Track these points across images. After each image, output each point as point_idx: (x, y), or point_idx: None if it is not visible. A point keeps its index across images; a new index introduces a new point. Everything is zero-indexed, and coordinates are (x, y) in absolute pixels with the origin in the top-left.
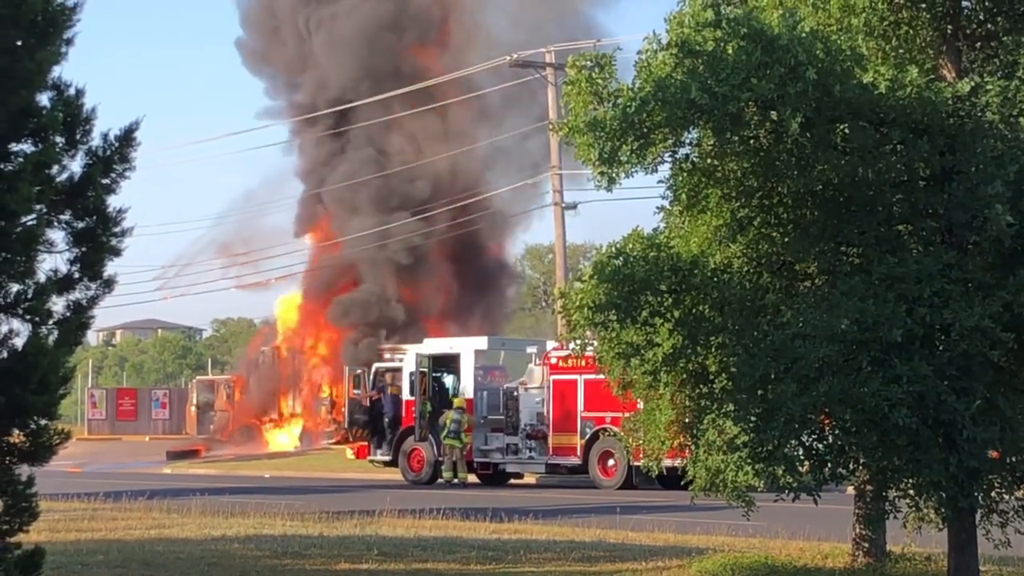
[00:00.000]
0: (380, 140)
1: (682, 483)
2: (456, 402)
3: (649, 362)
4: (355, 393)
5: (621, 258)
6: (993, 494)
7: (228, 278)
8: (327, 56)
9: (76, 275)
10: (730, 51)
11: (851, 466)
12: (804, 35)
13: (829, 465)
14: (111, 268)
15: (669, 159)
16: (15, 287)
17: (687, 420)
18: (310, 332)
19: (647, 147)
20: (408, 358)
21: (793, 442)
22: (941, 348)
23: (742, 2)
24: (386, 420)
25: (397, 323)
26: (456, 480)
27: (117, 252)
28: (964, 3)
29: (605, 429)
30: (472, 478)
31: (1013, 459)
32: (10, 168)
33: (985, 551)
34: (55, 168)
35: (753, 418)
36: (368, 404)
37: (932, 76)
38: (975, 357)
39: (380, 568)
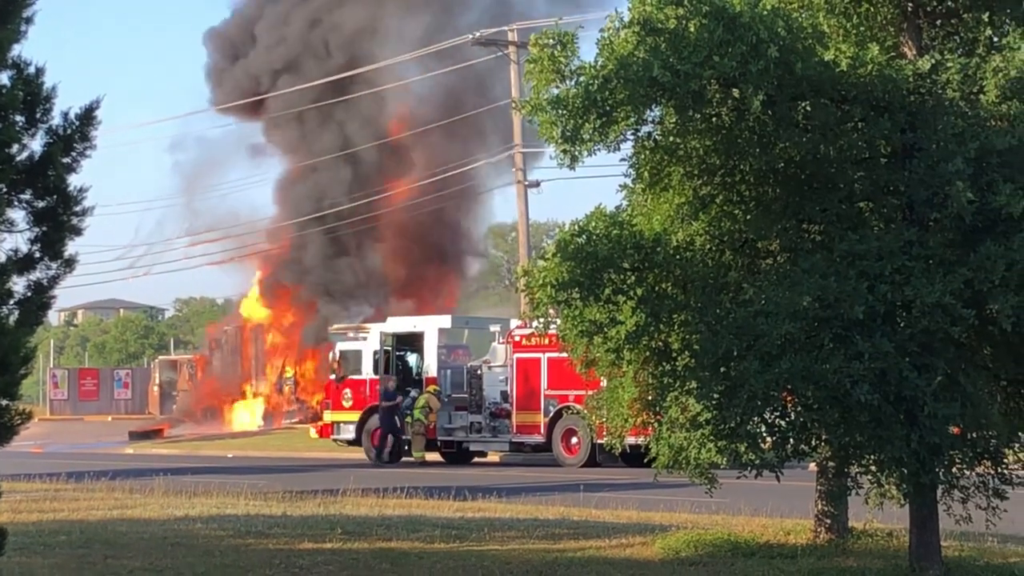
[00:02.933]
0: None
1: (645, 460)
2: (431, 388)
3: (612, 340)
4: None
5: (584, 236)
6: (954, 470)
7: (192, 256)
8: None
9: (37, 255)
10: (692, 29)
11: (813, 443)
12: (766, 13)
13: (791, 442)
14: (72, 247)
15: (631, 137)
16: None
17: (650, 398)
18: (273, 310)
19: (609, 125)
20: (371, 337)
21: (756, 419)
22: (902, 325)
23: None
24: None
25: (359, 299)
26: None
27: (78, 231)
28: None
29: (568, 407)
30: (436, 457)
31: (974, 435)
32: None
33: (946, 527)
34: (15, 147)
35: (716, 395)
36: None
37: (893, 54)
38: (936, 334)
39: (344, 547)
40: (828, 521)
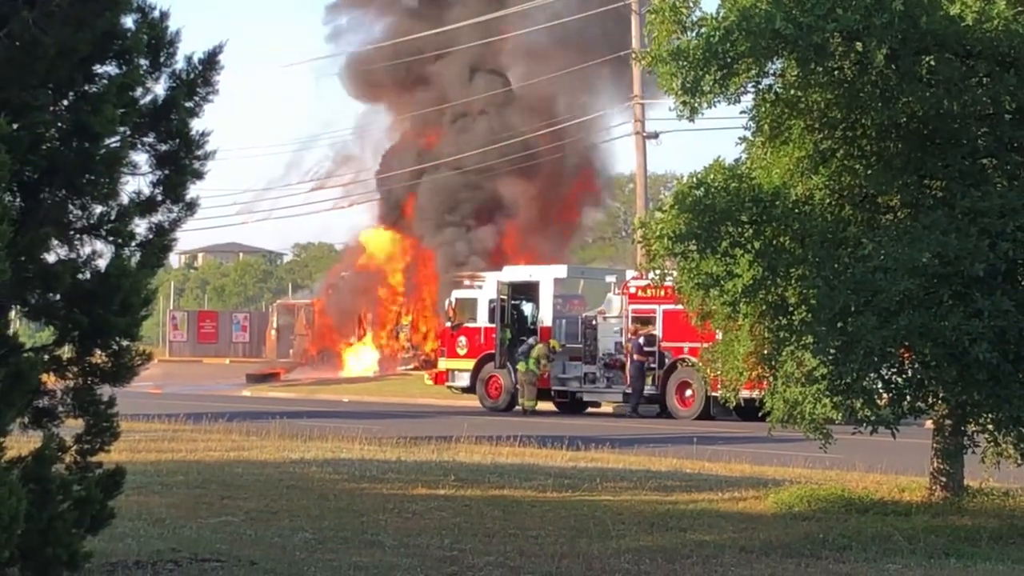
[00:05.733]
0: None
1: (759, 414)
2: (553, 343)
3: (728, 293)
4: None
5: (702, 188)
6: None
7: (312, 202)
8: None
9: (159, 197)
10: None
11: (930, 400)
12: None
13: (908, 399)
14: (193, 191)
15: (752, 89)
16: (98, 208)
17: (766, 352)
18: (395, 254)
19: (730, 77)
20: (487, 285)
21: (872, 375)
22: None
23: None
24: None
25: (482, 248)
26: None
27: (199, 175)
28: None
29: (683, 359)
30: (549, 406)
31: None
32: (94, 90)
33: None
34: (139, 91)
35: (832, 350)
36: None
37: (1020, 8)
38: None
39: (457, 494)
40: (943, 479)
